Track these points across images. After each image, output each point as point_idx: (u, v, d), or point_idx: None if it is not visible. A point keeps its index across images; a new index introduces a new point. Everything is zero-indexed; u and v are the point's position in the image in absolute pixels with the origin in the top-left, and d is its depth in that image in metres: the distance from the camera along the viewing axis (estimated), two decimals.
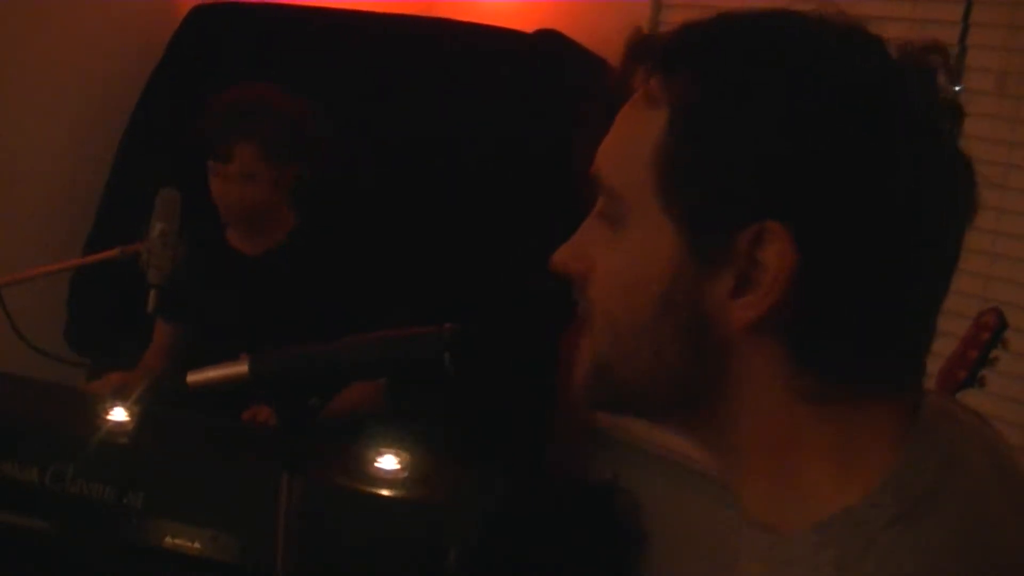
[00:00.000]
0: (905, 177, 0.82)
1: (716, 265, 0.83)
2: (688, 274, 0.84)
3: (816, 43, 0.84)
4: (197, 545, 2.14)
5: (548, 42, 3.52)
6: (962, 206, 0.86)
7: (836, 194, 0.81)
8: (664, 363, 0.87)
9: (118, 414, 2.27)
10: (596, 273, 0.91)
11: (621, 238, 0.88)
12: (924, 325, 0.88)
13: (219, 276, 2.97)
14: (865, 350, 0.84)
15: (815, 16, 0.86)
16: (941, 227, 0.85)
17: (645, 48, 0.89)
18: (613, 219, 0.89)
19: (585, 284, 0.92)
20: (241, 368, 1.33)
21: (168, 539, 2.15)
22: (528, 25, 3.63)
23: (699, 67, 0.85)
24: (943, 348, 2.44)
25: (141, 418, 2.28)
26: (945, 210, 0.85)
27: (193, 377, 1.35)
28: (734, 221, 0.82)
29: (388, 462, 2.19)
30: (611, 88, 0.91)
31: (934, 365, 2.42)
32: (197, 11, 3.63)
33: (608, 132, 0.92)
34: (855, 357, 0.84)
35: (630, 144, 0.88)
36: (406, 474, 2.18)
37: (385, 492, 2.14)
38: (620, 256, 0.88)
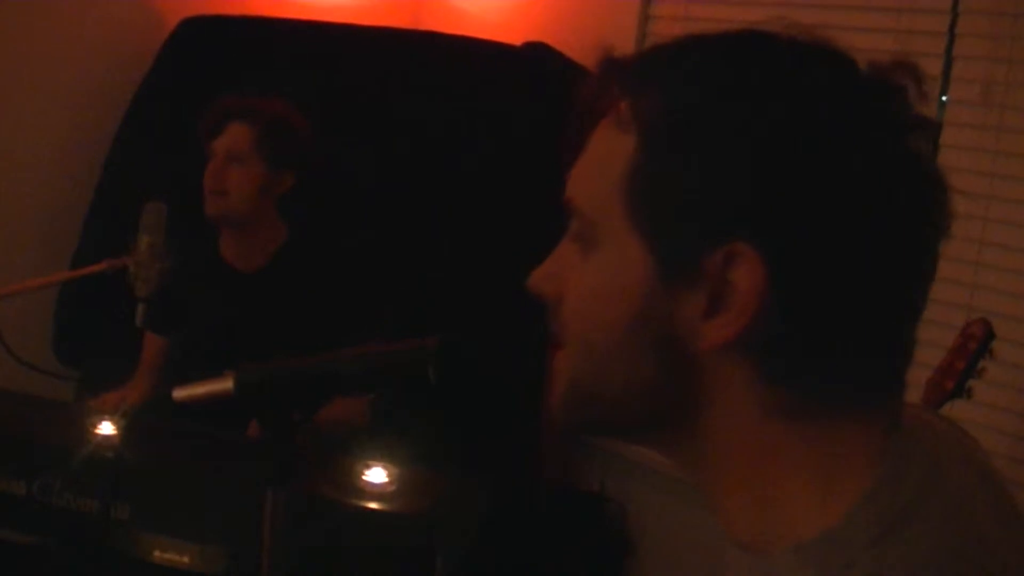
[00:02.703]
0: (874, 194, 0.82)
1: (687, 286, 0.83)
2: (659, 295, 0.84)
3: (782, 64, 0.84)
4: (185, 558, 2.13)
5: (536, 54, 3.53)
6: (936, 221, 0.86)
7: (804, 214, 0.81)
8: (638, 382, 0.87)
9: (105, 428, 2.27)
10: (569, 295, 0.91)
11: (592, 260, 0.88)
12: (901, 340, 0.87)
13: (211, 290, 2.97)
14: (839, 368, 0.84)
15: (783, 36, 0.86)
16: (914, 243, 0.85)
17: (614, 71, 0.89)
18: (585, 242, 0.89)
19: (559, 306, 0.92)
20: (226, 383, 1.33)
21: (156, 552, 2.15)
22: (516, 38, 3.64)
23: (666, 90, 0.85)
24: (930, 359, 2.45)
25: (129, 431, 2.27)
26: (918, 225, 0.85)
27: (179, 393, 1.35)
28: (704, 243, 0.82)
29: (376, 475, 2.19)
30: (581, 111, 0.92)
31: (921, 376, 2.43)
32: (186, 24, 3.62)
33: (578, 157, 0.92)
34: (829, 375, 0.84)
35: (600, 167, 0.88)
36: (394, 487, 2.18)
37: (373, 505, 2.13)
38: (591, 278, 0.89)
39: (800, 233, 0.81)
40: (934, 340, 2.54)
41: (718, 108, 0.83)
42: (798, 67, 0.84)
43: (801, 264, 0.81)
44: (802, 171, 0.81)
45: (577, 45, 3.42)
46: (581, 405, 0.92)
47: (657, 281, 0.84)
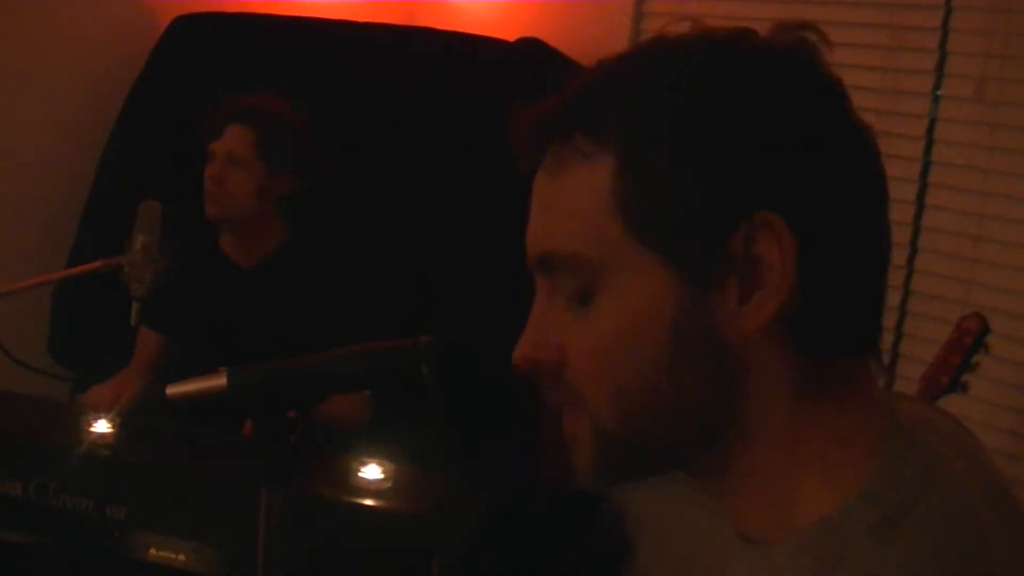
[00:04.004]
0: (853, 154, 0.85)
1: (717, 279, 0.82)
2: (690, 302, 0.83)
3: (731, 51, 0.85)
4: (181, 557, 2.13)
5: (530, 50, 3.53)
6: (881, 179, 0.88)
7: (808, 173, 0.82)
8: (689, 398, 0.85)
9: (101, 426, 2.26)
10: (572, 353, 0.87)
11: (600, 306, 0.85)
12: (883, 303, 0.89)
13: (210, 286, 2.97)
14: (847, 330, 0.86)
15: (694, 33, 0.87)
16: (885, 198, 0.87)
17: (549, 118, 0.88)
18: (582, 289, 0.86)
19: (559, 370, 0.88)
20: (219, 380, 1.32)
21: (152, 551, 2.14)
22: (510, 33, 3.64)
23: (631, 103, 0.85)
24: (925, 353, 2.45)
25: (124, 430, 2.27)
26: (882, 181, 0.87)
27: (172, 390, 1.35)
28: (722, 227, 0.82)
29: (372, 472, 2.19)
30: (522, 168, 0.89)
31: (916, 371, 2.43)
32: (179, 21, 3.62)
33: (533, 216, 0.90)
34: (841, 338, 0.85)
35: (577, 205, 0.86)
36: (390, 484, 2.18)
37: (369, 502, 2.13)
38: (606, 323, 0.85)
39: (812, 195, 0.82)
40: (930, 335, 2.54)
41: (692, 104, 0.83)
42: (747, 50, 0.85)
43: (819, 227, 0.82)
44: (789, 132, 0.82)
45: (571, 41, 3.43)
46: (620, 454, 0.88)
47: (684, 288, 0.83)
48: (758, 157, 0.82)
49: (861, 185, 0.85)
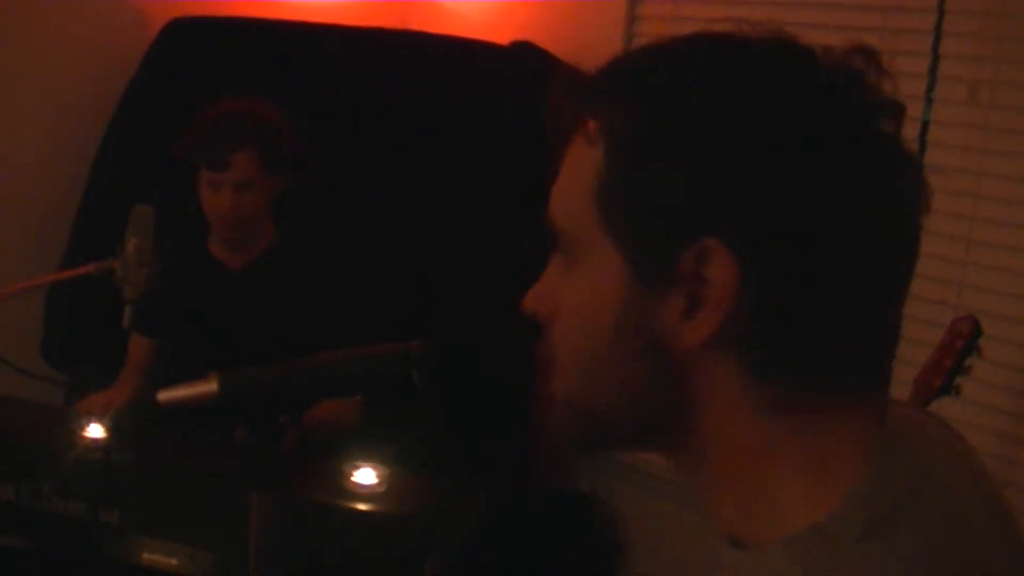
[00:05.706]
0: (840, 181, 0.83)
1: (665, 288, 0.84)
2: (638, 300, 0.85)
3: (735, 62, 0.85)
4: (173, 561, 2.13)
5: (523, 54, 3.53)
6: (910, 203, 0.86)
7: (770, 204, 0.82)
8: (627, 390, 0.88)
9: (94, 431, 2.26)
10: (559, 313, 0.92)
11: (575, 274, 0.90)
12: (883, 330, 0.88)
13: (199, 289, 2.96)
14: (822, 360, 0.85)
15: (739, 36, 0.87)
16: (888, 227, 0.85)
17: (578, 92, 0.91)
18: (568, 257, 0.91)
19: (551, 326, 0.93)
20: (210, 386, 1.32)
21: (145, 555, 2.14)
22: (503, 37, 3.64)
23: (625, 98, 0.87)
24: (918, 356, 2.45)
25: (117, 434, 2.27)
26: (890, 210, 0.85)
27: (164, 395, 1.34)
28: (676, 242, 0.83)
29: (365, 476, 2.19)
30: (553, 134, 0.93)
31: (909, 374, 2.43)
32: (173, 25, 3.61)
33: (555, 177, 0.94)
34: (812, 368, 0.85)
35: (573, 182, 0.90)
36: (383, 488, 2.18)
37: (362, 506, 2.13)
38: (575, 291, 0.90)
39: (767, 225, 0.82)
40: (922, 338, 2.54)
41: (676, 110, 0.84)
42: (750, 63, 0.85)
43: (771, 257, 0.82)
44: (764, 164, 0.82)
45: (564, 45, 3.43)
46: (578, 422, 0.93)
47: (635, 287, 0.85)
48: (724, 182, 0.82)
49: (843, 216, 0.83)
